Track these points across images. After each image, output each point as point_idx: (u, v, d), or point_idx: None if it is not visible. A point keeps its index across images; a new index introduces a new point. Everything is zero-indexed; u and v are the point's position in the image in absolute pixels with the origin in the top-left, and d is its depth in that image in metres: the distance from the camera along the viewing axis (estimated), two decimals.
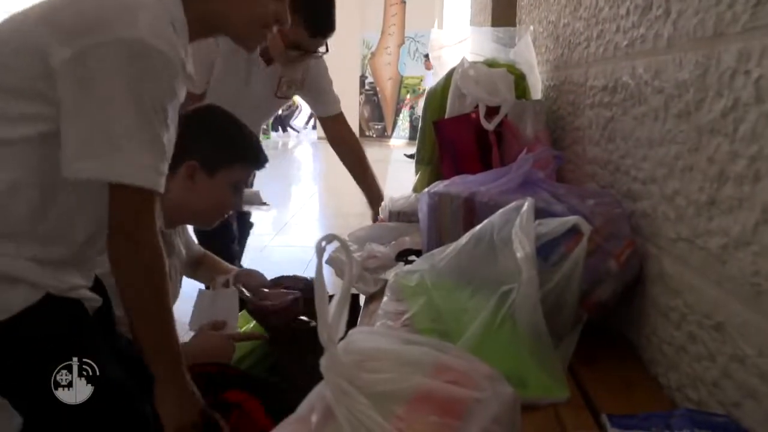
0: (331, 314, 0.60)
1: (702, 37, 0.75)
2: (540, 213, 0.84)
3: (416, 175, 1.77)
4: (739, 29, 0.67)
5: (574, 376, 0.87)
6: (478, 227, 0.83)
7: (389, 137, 12.14)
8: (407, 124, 11.65)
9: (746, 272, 0.65)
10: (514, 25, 2.32)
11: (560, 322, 0.82)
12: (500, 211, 0.81)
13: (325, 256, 0.67)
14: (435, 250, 0.90)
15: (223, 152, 1.39)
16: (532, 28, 1.79)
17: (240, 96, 2.03)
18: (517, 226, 0.75)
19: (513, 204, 0.80)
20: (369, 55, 12.15)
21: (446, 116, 1.54)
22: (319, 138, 12.42)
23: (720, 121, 0.70)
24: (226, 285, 1.61)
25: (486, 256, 0.80)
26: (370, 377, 0.57)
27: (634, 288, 0.94)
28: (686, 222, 0.79)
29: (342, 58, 12.01)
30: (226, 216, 1.51)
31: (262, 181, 2.37)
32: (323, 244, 0.67)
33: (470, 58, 1.76)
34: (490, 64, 1.61)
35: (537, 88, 1.65)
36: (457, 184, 1.08)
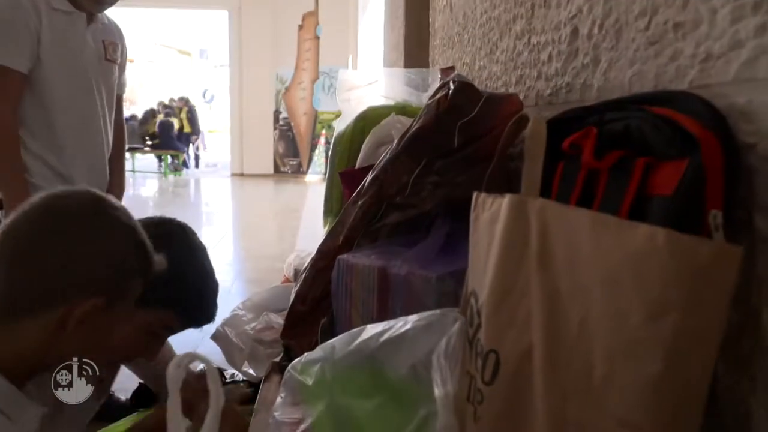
0: None
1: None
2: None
3: (325, 227, 1.63)
4: (686, 86, 0.56)
5: None
6: (391, 327, 0.68)
7: (305, 173, 11.96)
8: (323, 160, 11.50)
9: None
10: (427, 65, 2.24)
11: None
12: (421, 318, 0.65)
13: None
14: (336, 340, 0.74)
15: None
16: None
17: (76, 65, 1.88)
18: (441, 349, 0.60)
19: (439, 314, 0.65)
20: (283, 90, 11.98)
21: (357, 166, 1.41)
22: (233, 174, 12.09)
23: None
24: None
25: (402, 362, 0.66)
26: None
27: None
28: None
29: (256, 93, 11.87)
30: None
31: None
32: (179, 367, 0.51)
33: (381, 101, 1.65)
34: (402, 108, 1.49)
35: None
36: (369, 252, 0.94)
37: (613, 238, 0.47)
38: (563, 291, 0.50)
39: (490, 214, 0.60)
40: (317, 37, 11.63)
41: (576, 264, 0.50)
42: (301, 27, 11.74)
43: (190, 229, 1.15)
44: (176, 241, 1.08)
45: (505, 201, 0.57)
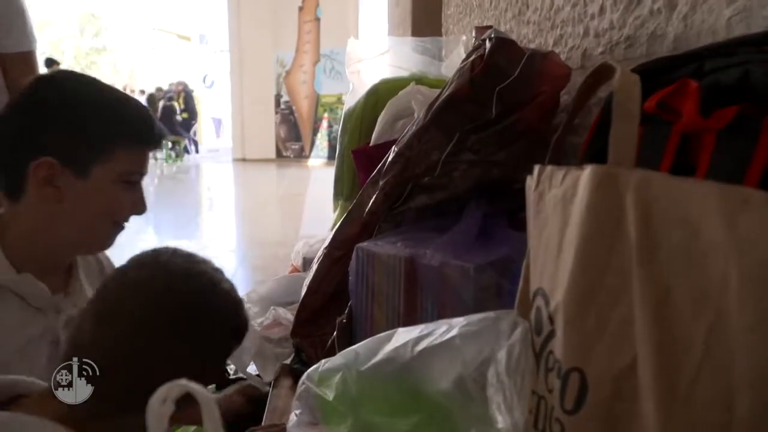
0: None
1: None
2: (510, 294, 0.57)
3: (335, 211, 1.50)
4: None
5: None
6: (431, 333, 0.55)
7: (307, 157, 11.81)
8: (326, 144, 11.36)
9: None
10: (438, 36, 2.10)
11: None
12: (470, 322, 0.52)
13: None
14: (360, 346, 0.62)
15: (93, 134, 0.90)
16: (464, 38, 1.56)
17: None
18: (501, 364, 0.47)
19: (494, 317, 0.52)
20: (284, 74, 11.80)
21: (372, 143, 1.27)
22: (235, 159, 11.95)
23: None
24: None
25: (444, 375, 0.53)
26: None
27: None
28: None
29: (256, 77, 11.69)
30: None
31: (170, 207, 2.00)
32: (165, 402, 0.39)
33: (392, 72, 1.51)
34: (419, 79, 1.36)
35: None
36: (394, 239, 0.81)
37: (758, 220, 0.34)
38: (677, 292, 0.38)
39: (563, 191, 0.47)
40: (318, 19, 11.44)
41: (697, 256, 0.37)
42: (301, 9, 11.54)
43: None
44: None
45: (586, 173, 0.44)
